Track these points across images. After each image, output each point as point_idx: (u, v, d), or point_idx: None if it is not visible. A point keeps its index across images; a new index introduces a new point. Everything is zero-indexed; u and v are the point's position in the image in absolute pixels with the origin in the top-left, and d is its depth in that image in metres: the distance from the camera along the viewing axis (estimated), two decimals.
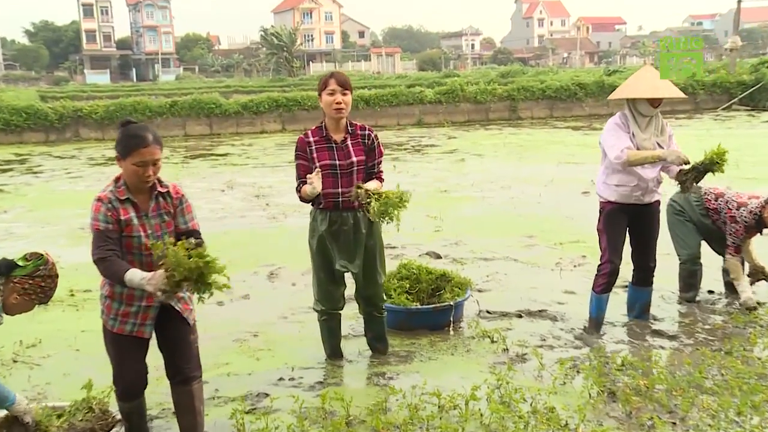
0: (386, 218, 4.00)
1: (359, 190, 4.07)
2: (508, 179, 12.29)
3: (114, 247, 3.10)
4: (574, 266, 6.78)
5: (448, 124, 25.05)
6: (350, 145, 4.14)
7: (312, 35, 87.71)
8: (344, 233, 4.20)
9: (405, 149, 18.10)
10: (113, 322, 3.30)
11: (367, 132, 4.21)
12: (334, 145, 4.11)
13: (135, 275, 3.01)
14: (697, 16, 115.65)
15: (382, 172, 4.29)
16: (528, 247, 7.64)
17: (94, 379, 3.63)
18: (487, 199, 10.50)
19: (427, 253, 7.33)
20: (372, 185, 4.10)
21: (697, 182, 4.67)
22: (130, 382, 3.33)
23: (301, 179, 4.11)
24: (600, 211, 4.89)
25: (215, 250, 8.63)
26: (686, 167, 4.62)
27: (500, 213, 9.50)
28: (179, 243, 2.97)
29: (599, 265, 4.93)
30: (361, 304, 4.49)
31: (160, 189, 3.29)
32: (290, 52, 64.25)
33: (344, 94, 4.07)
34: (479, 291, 6.02)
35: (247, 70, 76.03)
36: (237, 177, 13.82)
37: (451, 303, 5.10)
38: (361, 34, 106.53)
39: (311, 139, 4.14)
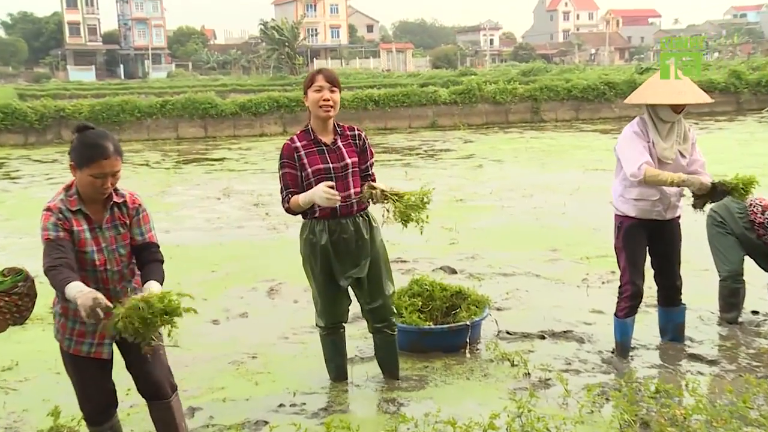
0: (408, 222, 4.04)
1: (373, 191, 4.10)
2: (530, 187, 12.30)
3: (65, 255, 3.03)
4: (602, 283, 6.78)
5: (465, 127, 25.10)
6: (342, 147, 4.18)
7: (316, 29, 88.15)
8: (345, 242, 4.22)
9: (417, 154, 18.15)
10: (69, 343, 3.27)
11: (356, 132, 4.27)
12: (324, 147, 4.15)
13: (73, 288, 2.90)
14: (741, 8, 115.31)
15: (374, 174, 4.34)
16: (551, 261, 7.64)
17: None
18: (506, 209, 10.51)
19: (441, 268, 7.35)
20: (382, 185, 4.15)
21: (713, 202, 4.67)
22: (96, 404, 3.31)
23: (290, 190, 4.13)
24: (617, 228, 4.86)
25: (210, 263, 8.64)
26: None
27: (521, 224, 9.51)
28: (150, 296, 2.86)
29: (620, 287, 4.91)
30: (370, 321, 4.48)
31: (115, 199, 3.26)
32: (292, 47, 64.62)
33: (332, 92, 4.11)
34: (498, 309, 6.03)
35: (246, 68, 76.53)
36: (234, 184, 13.90)
37: (468, 323, 5.10)
38: (370, 29, 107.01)
39: (298, 143, 4.15)
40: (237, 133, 24.23)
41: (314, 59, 77.38)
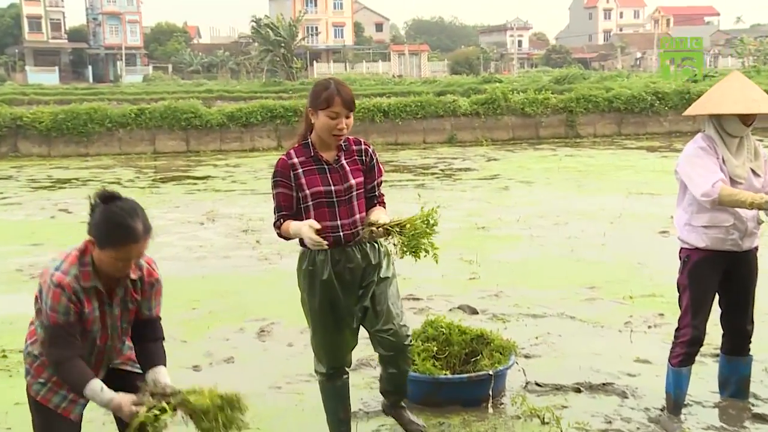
0: (419, 253, 4.07)
1: (373, 228, 4.10)
2: (564, 214, 12.35)
3: (76, 346, 3.12)
4: (649, 327, 6.79)
5: (488, 143, 25.22)
6: (346, 165, 4.20)
7: (317, 28, 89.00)
8: (351, 272, 4.21)
9: (432, 173, 18.25)
10: (39, 388, 3.29)
11: (363, 147, 4.28)
12: (326, 166, 4.16)
13: (98, 393, 3.10)
14: None
15: (383, 195, 4.37)
16: (589, 301, 7.67)
17: None
18: (536, 239, 10.55)
19: (459, 308, 7.38)
20: (383, 217, 4.16)
21: None
22: None
23: (282, 213, 4.18)
24: (683, 262, 4.81)
25: (191, 299, 8.70)
26: None
27: (553, 257, 9.54)
28: (206, 391, 3.17)
29: (677, 330, 4.89)
30: (381, 350, 4.34)
31: (132, 275, 3.27)
32: (289, 48, 65.17)
33: (348, 117, 4.15)
34: (526, 357, 6.06)
35: (235, 71, 77.21)
36: (220, 206, 14.00)
37: (491, 372, 5.12)
38: (379, 27, 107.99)
39: (295, 159, 4.17)
40: (224, 147, 24.43)
41: (314, 62, 78.03)
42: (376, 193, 4.32)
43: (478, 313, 7.26)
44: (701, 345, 4.86)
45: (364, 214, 4.22)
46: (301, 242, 4.23)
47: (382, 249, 4.32)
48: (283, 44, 64.39)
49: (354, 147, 4.25)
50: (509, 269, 8.98)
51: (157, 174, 19.54)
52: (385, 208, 4.33)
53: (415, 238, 4.04)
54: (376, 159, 4.33)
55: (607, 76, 48.35)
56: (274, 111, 24.87)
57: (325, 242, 3.99)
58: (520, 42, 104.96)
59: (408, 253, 4.07)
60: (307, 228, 3.98)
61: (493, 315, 7.21)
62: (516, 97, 26.82)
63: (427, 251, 4.08)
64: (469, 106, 26.15)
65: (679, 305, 4.88)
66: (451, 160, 21.12)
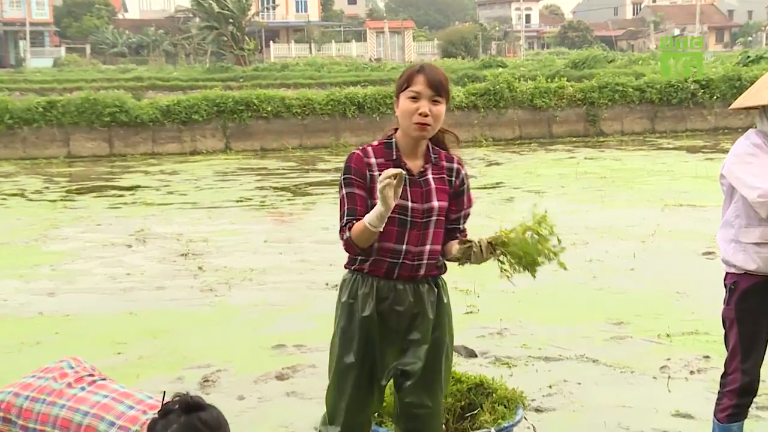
0: (537, 267, 4.13)
1: (474, 248, 4.08)
2: (583, 231, 12.42)
3: None
4: (691, 372, 6.82)
5: (489, 143, 25.34)
6: (432, 181, 4.17)
7: (274, 1, 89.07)
8: (397, 317, 4.17)
9: None
10: None
11: (455, 166, 4.24)
12: (407, 176, 4.12)
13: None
14: None
15: (467, 231, 4.34)
16: (615, 340, 7.70)
17: None
18: (549, 263, 10.56)
19: (454, 349, 7.37)
20: (476, 239, 4.16)
21: None
22: None
23: (352, 217, 4.08)
24: (729, 290, 4.81)
25: (115, 341, 8.68)
26: None
27: (571, 285, 9.56)
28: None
29: (724, 376, 4.87)
30: (402, 425, 4.37)
31: None
32: (239, 26, 65.25)
33: (435, 103, 4.08)
34: (537, 411, 6.07)
35: (170, 54, 77.17)
36: (152, 224, 13.98)
37: (493, 430, 5.13)
38: (352, 0, 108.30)
39: (373, 159, 4.15)
40: (157, 149, 24.41)
41: (271, 43, 78.10)
42: (460, 227, 4.30)
43: (476, 356, 7.27)
44: (754, 395, 4.85)
45: (438, 247, 4.19)
46: (350, 262, 4.26)
47: (444, 300, 4.31)
48: (231, 20, 64.46)
49: (444, 163, 4.24)
50: (515, 300, 8.99)
51: (71, 183, 19.45)
52: None
53: (529, 248, 4.08)
54: (468, 185, 4.31)
55: (637, 58, 48.73)
56: (221, 104, 24.90)
57: (394, 173, 3.85)
58: (528, 17, 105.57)
59: (524, 269, 4.13)
60: (380, 184, 3.84)
61: (495, 358, 7.23)
62: (523, 85, 26.98)
63: (548, 259, 4.14)
64: (465, 97, 26.27)
65: (726, 345, 4.87)
66: None
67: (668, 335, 7.69)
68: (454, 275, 9.60)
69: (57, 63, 70.64)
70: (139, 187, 18.60)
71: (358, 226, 4.01)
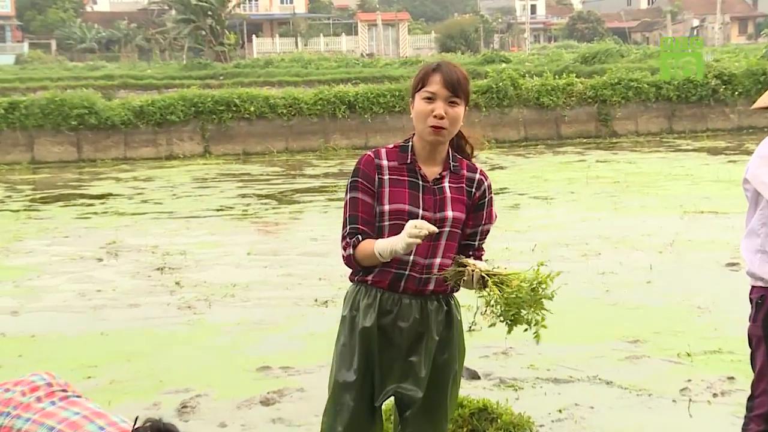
0: (516, 324, 3.95)
1: (468, 269, 4.00)
2: (595, 241, 12.44)
3: None
4: (714, 395, 6.82)
5: (491, 145, 25.33)
6: (447, 189, 4.16)
7: None
8: (400, 333, 4.16)
9: None
10: None
11: (477, 176, 4.24)
12: (421, 182, 4.13)
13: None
14: None
15: (483, 251, 4.31)
16: (631, 360, 7.70)
17: None
18: (558, 276, 10.55)
19: None
20: (480, 264, 4.08)
21: None
22: None
23: (358, 227, 4.08)
24: (756, 305, 4.81)
25: (85, 364, 8.64)
26: None
27: (581, 300, 9.57)
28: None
29: (751, 399, 4.85)
30: None
31: None
32: (219, 19, 65.32)
33: (452, 104, 4.07)
34: None
35: (144, 50, 77.13)
36: (125, 236, 13.96)
37: None
38: None
39: (384, 162, 4.15)
40: (130, 154, 24.40)
41: (253, 37, 78.11)
42: (475, 244, 4.26)
43: (480, 378, 7.26)
44: None
45: (448, 261, 4.14)
46: (357, 273, 4.21)
47: (455, 319, 4.28)
48: (209, 12, 64.54)
49: (465, 172, 4.23)
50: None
51: (36, 192, 19.42)
52: None
53: (517, 302, 3.93)
54: (490, 199, 4.28)
55: (652, 52, 48.59)
56: (200, 104, 24.90)
57: (424, 229, 3.83)
58: (533, 7, 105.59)
59: (502, 320, 3.98)
60: (405, 232, 3.85)
61: (500, 380, 7.21)
62: (529, 82, 27.03)
63: (530, 325, 3.99)
64: None
65: (752, 365, 4.86)
66: None
67: (689, 354, 7.67)
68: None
69: (19, 60, 70.46)
70: (110, 195, 18.58)
71: (365, 248, 4.02)
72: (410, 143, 4.18)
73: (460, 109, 4.07)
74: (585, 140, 26.24)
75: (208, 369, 7.66)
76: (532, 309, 3.97)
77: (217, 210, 16.41)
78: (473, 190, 4.21)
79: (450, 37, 77.03)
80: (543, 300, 3.98)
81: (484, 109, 26.13)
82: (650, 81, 27.43)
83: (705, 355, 7.65)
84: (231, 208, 16.69)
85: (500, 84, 26.41)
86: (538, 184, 18.30)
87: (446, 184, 4.15)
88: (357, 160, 4.17)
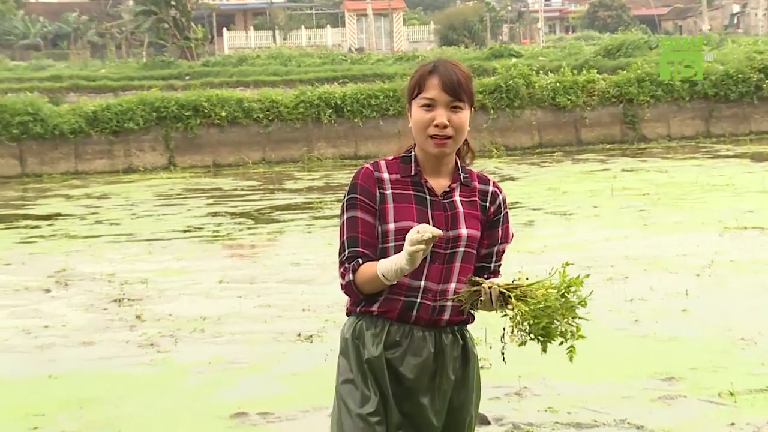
0: (550, 339, 3.98)
1: (485, 287, 3.95)
2: (621, 263, 12.46)
3: None
4: None
5: (500, 153, 25.40)
6: (459, 204, 4.17)
7: None
8: (410, 371, 4.14)
9: None
10: None
11: (491, 188, 4.25)
12: (428, 196, 4.14)
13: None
14: None
15: (500, 275, 4.30)
16: (664, 400, 7.69)
17: None
18: (566, 341, 10.54)
19: None
20: (497, 279, 4.08)
21: None
22: None
23: (358, 250, 4.07)
24: None
25: (30, 412, 8.64)
26: None
27: (607, 331, 9.57)
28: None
29: None
30: None
31: None
32: (184, 10, 65.27)
33: (455, 109, 4.07)
34: None
35: (97, 46, 77.19)
36: (77, 262, 13.96)
37: None
38: None
39: (385, 174, 4.16)
40: (82, 167, 24.43)
41: (224, 30, 78.20)
42: (491, 266, 4.28)
43: (489, 422, 7.26)
44: None
45: (464, 286, 4.10)
46: (358, 303, 4.18)
47: (472, 355, 4.29)
48: (173, 3, 64.50)
49: (477, 184, 4.24)
50: (537, 352, 8.94)
51: None
52: None
53: (547, 313, 3.92)
54: (505, 214, 4.29)
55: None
56: (163, 109, 24.97)
57: (431, 233, 3.81)
58: None
59: (533, 337, 3.99)
60: (408, 241, 3.82)
61: (513, 426, 7.21)
62: (543, 79, 27.08)
63: (564, 337, 4.01)
64: None
65: None
66: None
67: (732, 393, 7.66)
68: None
69: None
70: (59, 215, 18.59)
71: (366, 272, 4.01)
72: (412, 153, 4.19)
73: (464, 114, 4.08)
74: (609, 146, 26.29)
75: (175, 416, 7.65)
76: (565, 318, 3.98)
77: (184, 231, 16.41)
78: (487, 204, 4.23)
79: (451, 28, 77.26)
80: (575, 307, 3.98)
81: (491, 112, 26.18)
82: (684, 77, 27.44)
83: (750, 395, 7.64)
84: (200, 228, 16.69)
85: (510, 82, 26.47)
86: (555, 197, 18.33)
87: (457, 198, 4.17)
88: (353, 175, 4.16)
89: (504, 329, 3.99)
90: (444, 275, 4.09)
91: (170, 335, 9.97)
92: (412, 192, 4.11)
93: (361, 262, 4.05)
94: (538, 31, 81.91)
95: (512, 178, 21.30)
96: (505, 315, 3.97)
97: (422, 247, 3.79)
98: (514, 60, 35.94)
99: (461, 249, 4.12)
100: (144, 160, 24.69)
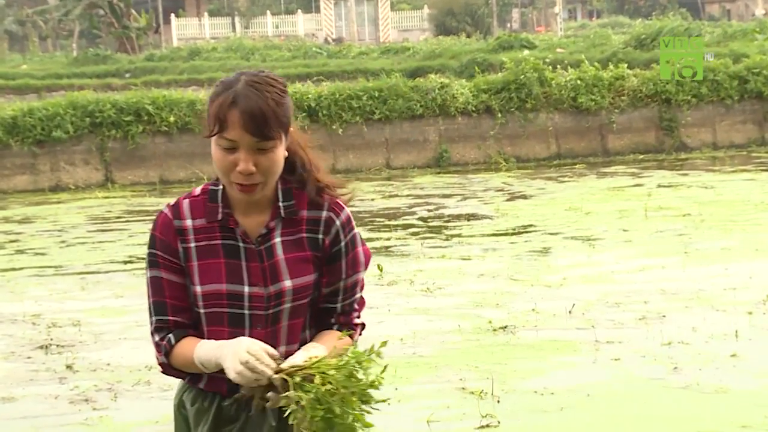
0: (330, 430, 3.87)
1: (276, 376, 3.84)
2: (658, 298, 12.49)
3: None
4: None
5: (510, 165, 25.46)
6: (279, 248, 4.11)
7: None
8: None
9: (406, 227, 18.33)
10: None
11: (324, 213, 4.16)
12: (241, 244, 4.09)
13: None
14: None
15: (356, 312, 4.26)
16: None
17: None
18: (606, 349, 10.62)
19: None
20: (300, 355, 3.96)
21: None
22: None
23: (166, 318, 4.10)
24: None
25: None
26: None
27: (639, 380, 9.63)
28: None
29: None
30: None
31: None
32: None
33: (262, 151, 3.96)
34: None
35: (17, 37, 77.14)
36: None
37: None
38: None
39: (188, 222, 4.10)
40: (0, 185, 24.33)
41: (172, 17, 78.23)
42: (337, 307, 4.22)
43: None
44: None
45: (295, 346, 4.09)
46: (184, 374, 4.20)
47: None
48: None
49: (306, 212, 4.14)
50: (554, 407, 9.01)
51: None
52: (351, 338, 4.19)
53: (327, 400, 3.81)
54: (349, 240, 4.19)
55: (735, 30, 48.85)
56: (97, 113, 24.96)
57: (269, 367, 3.81)
58: None
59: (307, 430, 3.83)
60: (240, 348, 3.80)
61: None
62: (562, 76, 27.13)
63: (349, 427, 3.84)
64: (473, 95, 26.42)
65: None
66: (442, 199, 21.32)
67: None
68: (462, 371, 9.69)
69: None
70: None
71: (183, 354, 4.02)
72: (220, 187, 4.09)
73: (276, 153, 3.97)
74: (641, 156, 26.35)
75: None
76: (354, 406, 3.85)
77: (125, 263, 16.40)
78: (320, 236, 4.14)
79: (449, 13, 77.21)
80: (363, 389, 3.86)
81: (499, 116, 26.19)
82: (732, 71, 27.52)
83: None
84: (143, 259, 16.63)
85: (521, 78, 26.48)
86: (576, 219, 18.38)
87: (277, 239, 4.10)
88: (153, 222, 4.13)
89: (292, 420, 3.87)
90: (269, 341, 4.00)
91: (108, 389, 9.94)
92: (220, 240, 4.08)
93: (173, 340, 4.07)
94: (555, 17, 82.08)
95: (524, 196, 21.31)
96: (284, 407, 3.86)
97: (251, 377, 3.79)
98: (526, 52, 36.07)
99: (287, 305, 4.09)
100: (75, 175, 24.62)
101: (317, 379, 3.79)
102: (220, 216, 4.06)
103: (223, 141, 3.90)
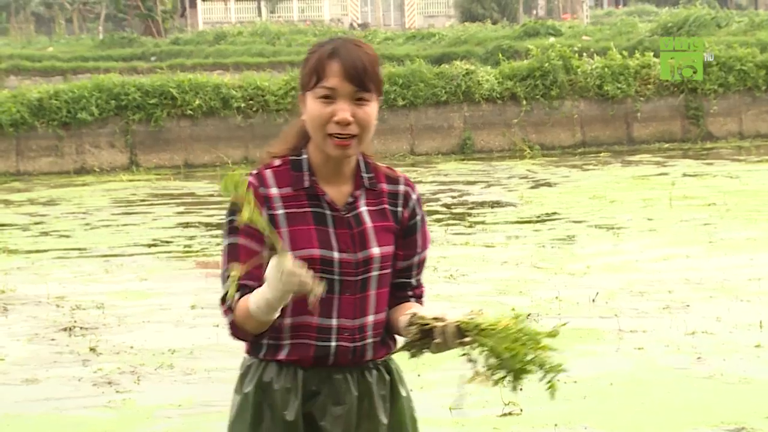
0: (523, 375, 3.92)
1: (438, 326, 3.87)
2: (682, 287, 12.47)
3: None
4: None
5: (534, 153, 25.40)
6: (367, 217, 4.11)
7: None
8: (336, 421, 4.10)
9: (431, 214, 18.28)
10: None
11: (402, 187, 4.18)
12: (329, 212, 4.06)
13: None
14: None
15: (423, 287, 4.28)
16: None
17: None
18: (629, 338, 10.60)
19: None
20: (451, 313, 3.95)
21: None
22: None
23: (242, 283, 3.97)
24: None
25: None
26: None
27: (663, 370, 9.61)
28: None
29: None
30: None
31: None
32: None
33: (359, 103, 3.98)
34: None
35: (43, 20, 77.15)
36: (17, 283, 13.98)
37: None
38: None
39: (273, 189, 4.06)
40: (24, 166, 24.44)
41: (198, 2, 78.20)
42: (412, 281, 4.23)
43: None
44: None
45: (383, 315, 4.12)
46: (253, 349, 4.14)
47: (401, 394, 4.22)
48: None
49: (385, 185, 4.18)
50: (577, 395, 8.98)
51: None
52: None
53: (515, 346, 3.90)
54: (422, 216, 4.21)
55: (762, 20, 48.64)
56: (122, 96, 25.01)
57: (319, 288, 3.74)
58: None
59: (506, 374, 3.95)
60: (285, 268, 3.72)
61: None
62: (588, 63, 27.05)
63: (543, 369, 3.96)
64: (498, 82, 26.40)
65: None
66: (466, 186, 21.31)
67: None
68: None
69: None
70: None
71: (242, 306, 3.94)
72: (304, 156, 4.10)
73: (371, 107, 3.99)
74: (667, 145, 26.27)
75: None
76: (536, 349, 3.94)
77: (149, 246, 16.41)
78: (399, 208, 4.15)
79: (476, 0, 77.00)
80: (542, 336, 3.95)
81: (524, 103, 26.17)
82: (760, 60, 27.41)
83: None
84: (168, 242, 16.70)
85: (547, 66, 26.44)
86: (600, 207, 18.34)
87: (363, 209, 4.09)
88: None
89: (470, 374, 3.94)
90: (359, 308, 4.03)
91: (131, 372, 9.95)
92: (309, 208, 4.05)
93: (238, 296, 3.96)
94: (581, 4, 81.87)
95: (548, 184, 21.28)
96: (465, 353, 3.91)
97: (299, 286, 3.74)
98: (551, 39, 36.02)
99: (374, 273, 4.07)
100: (100, 158, 24.64)
101: (501, 325, 3.90)
102: (306, 183, 4.05)
103: (322, 89, 3.92)
